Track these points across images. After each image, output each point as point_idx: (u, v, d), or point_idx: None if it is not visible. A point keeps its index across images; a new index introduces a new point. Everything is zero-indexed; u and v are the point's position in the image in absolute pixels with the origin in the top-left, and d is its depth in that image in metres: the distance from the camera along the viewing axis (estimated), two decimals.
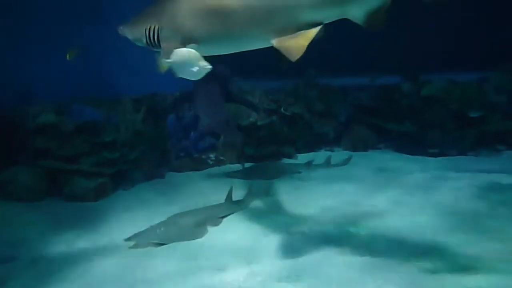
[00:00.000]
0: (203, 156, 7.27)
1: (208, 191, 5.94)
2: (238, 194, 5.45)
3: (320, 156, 7.36)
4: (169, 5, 3.39)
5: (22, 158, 5.65)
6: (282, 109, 7.64)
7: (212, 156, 7.31)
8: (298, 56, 2.95)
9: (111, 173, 5.84)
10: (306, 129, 7.89)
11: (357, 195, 5.57)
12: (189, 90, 8.32)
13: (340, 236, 4.32)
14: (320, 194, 5.66)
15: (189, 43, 3.32)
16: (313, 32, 2.99)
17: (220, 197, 5.39)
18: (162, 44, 3.41)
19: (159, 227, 4.54)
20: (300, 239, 4.32)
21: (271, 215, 5.03)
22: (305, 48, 2.95)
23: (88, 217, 5.13)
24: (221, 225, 4.83)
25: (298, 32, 2.99)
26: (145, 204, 5.53)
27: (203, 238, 4.48)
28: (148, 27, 3.42)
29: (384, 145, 7.97)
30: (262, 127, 7.45)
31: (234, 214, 5.10)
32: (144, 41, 3.49)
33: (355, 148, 7.87)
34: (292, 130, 7.72)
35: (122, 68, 7.06)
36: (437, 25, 8.18)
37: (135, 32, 3.56)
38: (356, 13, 2.97)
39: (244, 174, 6.55)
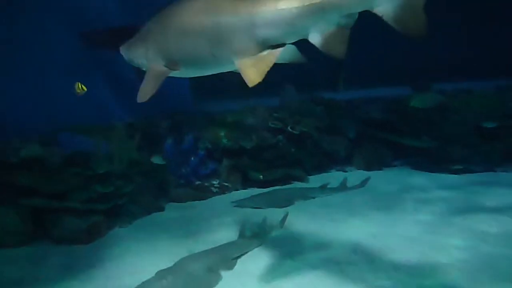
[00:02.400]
0: (206, 183, 6.63)
1: (215, 225, 5.31)
2: (250, 226, 4.85)
3: (333, 177, 6.80)
4: (155, 27, 3.50)
5: (4, 197, 4.94)
6: (289, 127, 7.07)
7: (215, 182, 6.69)
8: (256, 82, 2.89)
9: (105, 209, 5.17)
10: (315, 149, 7.32)
11: (386, 223, 4.99)
12: (187, 111, 7.79)
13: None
14: (343, 224, 5.07)
15: (173, 65, 3.41)
16: (274, 54, 2.95)
17: (231, 233, 4.84)
18: (147, 67, 3.46)
19: (165, 276, 3.86)
20: (332, 284, 3.69)
21: (293, 253, 4.40)
22: (265, 73, 2.90)
23: (80, 263, 4.44)
24: (236, 268, 4.19)
25: (260, 54, 2.97)
26: (146, 244, 4.86)
27: (217, 287, 3.83)
28: (138, 50, 3.54)
29: (399, 162, 7.43)
30: (268, 148, 6.87)
31: (249, 253, 4.46)
32: (136, 63, 3.59)
33: (368, 167, 7.32)
34: (300, 150, 7.15)
35: (112, 92, 6.46)
36: (447, 32, 7.77)
37: (129, 54, 3.65)
38: (315, 37, 2.85)
39: (253, 202, 5.94)
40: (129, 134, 5.89)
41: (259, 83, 2.90)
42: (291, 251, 4.45)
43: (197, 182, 6.62)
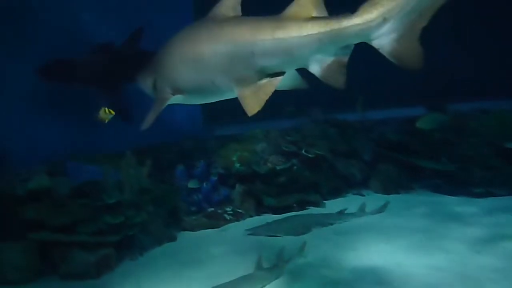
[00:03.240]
0: (219, 210, 6.39)
1: (230, 256, 5.05)
2: (266, 256, 4.58)
3: (350, 202, 6.52)
4: (162, 56, 3.67)
5: (10, 231, 4.75)
6: (303, 151, 6.86)
7: (228, 209, 6.44)
8: (255, 111, 2.92)
9: (115, 241, 4.94)
10: (330, 172, 7.08)
11: (410, 252, 4.70)
12: (198, 136, 7.64)
13: None
14: (365, 253, 4.78)
15: (178, 93, 3.55)
16: (273, 83, 2.94)
17: (247, 264, 4.54)
18: (155, 95, 3.67)
19: None
20: None
21: (313, 287, 4.12)
22: (264, 102, 2.93)
23: None
24: None
25: (259, 83, 2.98)
26: (159, 279, 4.61)
27: None
28: (148, 79, 3.75)
29: (418, 185, 7.15)
30: (282, 172, 6.65)
31: (267, 286, 4.20)
32: (147, 92, 3.82)
33: (386, 190, 7.04)
34: (315, 174, 6.91)
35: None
36: (462, 51, 7.61)
37: (143, 83, 3.88)
38: (314, 67, 2.87)
39: (269, 230, 5.68)
40: (139, 161, 5.70)
41: (259, 111, 2.93)
42: (311, 284, 4.17)
43: (210, 209, 6.40)
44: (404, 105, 7.89)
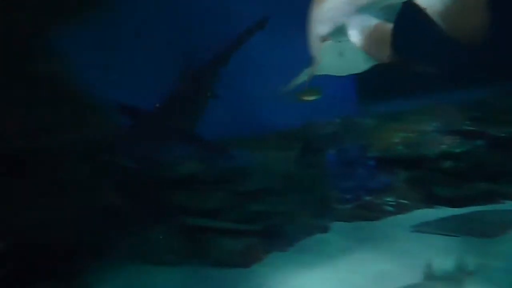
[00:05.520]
0: (377, 200, 5.47)
1: (391, 256, 4.17)
2: (439, 262, 3.54)
3: None
4: None
5: (164, 215, 4.87)
6: (491, 130, 5.32)
7: (389, 199, 5.46)
8: None
9: (260, 230, 4.59)
10: None
11: None
12: (349, 114, 6.79)
13: None
14: None
15: None
16: None
17: (412, 269, 3.63)
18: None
19: None
20: None
21: None
22: None
23: None
24: None
25: None
26: (310, 271, 4.10)
27: None
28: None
29: None
30: (460, 156, 5.29)
31: None
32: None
33: None
34: (508, 158, 5.29)
35: (267, 98, 5.94)
36: None
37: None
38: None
39: (443, 228, 4.53)
40: (286, 144, 5.24)
41: None
42: None
43: (367, 198, 5.53)
44: None
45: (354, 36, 2.44)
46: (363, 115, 7.21)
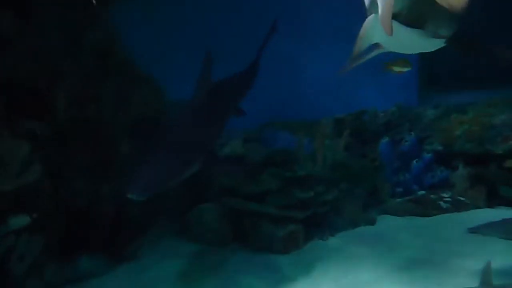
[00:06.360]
0: (432, 196, 5.14)
1: (442, 256, 3.90)
2: (498, 268, 3.27)
3: None
4: None
5: (210, 194, 4.92)
6: None
7: (446, 195, 5.12)
8: None
9: (303, 217, 4.48)
10: None
11: None
12: (407, 104, 6.42)
13: None
14: None
15: None
16: None
17: (466, 273, 3.42)
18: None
19: None
20: None
21: None
22: None
23: (273, 278, 3.85)
24: None
25: None
26: (351, 267, 3.91)
27: None
28: None
29: None
30: None
31: None
32: None
33: None
34: None
35: (321, 83, 5.77)
36: None
37: None
38: None
39: (506, 231, 4.14)
40: (336, 131, 5.05)
41: None
42: None
43: (420, 193, 5.22)
44: None
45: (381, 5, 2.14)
46: (424, 105, 6.80)
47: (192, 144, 3.41)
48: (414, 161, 5.38)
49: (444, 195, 5.10)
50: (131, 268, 4.05)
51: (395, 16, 2.12)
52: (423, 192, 5.24)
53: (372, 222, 4.92)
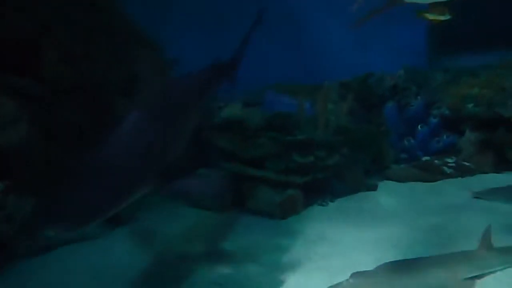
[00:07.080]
0: (436, 161, 5.01)
1: (442, 219, 3.82)
2: (500, 232, 3.23)
3: None
4: None
5: (208, 158, 4.84)
6: None
7: (450, 160, 4.99)
8: None
9: (302, 182, 4.40)
10: None
11: None
12: (416, 67, 6.16)
13: None
14: None
15: None
16: None
17: (467, 239, 3.31)
18: None
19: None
20: None
21: None
22: None
23: (270, 244, 3.79)
24: None
25: None
26: (347, 229, 3.88)
27: None
28: None
29: None
30: None
31: (493, 274, 2.91)
32: None
33: None
34: None
35: (326, 45, 5.54)
36: None
37: None
38: None
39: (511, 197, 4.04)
40: (340, 95, 4.89)
41: None
42: None
43: (424, 159, 5.09)
44: None
45: None
46: (433, 68, 6.56)
47: (141, 159, 2.50)
48: (419, 126, 5.22)
49: (448, 160, 4.97)
50: (129, 231, 4.04)
51: None
52: (427, 157, 5.10)
53: (373, 188, 4.83)
